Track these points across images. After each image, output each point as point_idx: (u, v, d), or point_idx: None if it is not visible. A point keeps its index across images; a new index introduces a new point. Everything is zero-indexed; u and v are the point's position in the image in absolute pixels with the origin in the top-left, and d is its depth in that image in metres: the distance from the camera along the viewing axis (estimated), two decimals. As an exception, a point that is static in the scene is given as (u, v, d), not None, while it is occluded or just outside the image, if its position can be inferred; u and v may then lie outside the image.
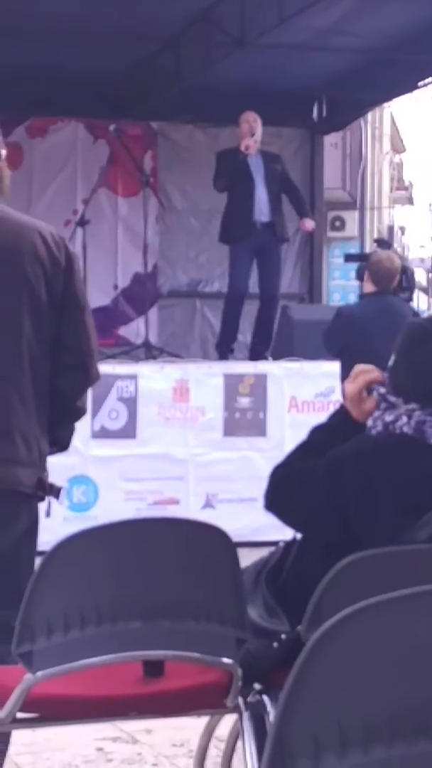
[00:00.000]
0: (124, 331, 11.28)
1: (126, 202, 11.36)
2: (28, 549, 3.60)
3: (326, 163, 12.73)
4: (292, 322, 9.44)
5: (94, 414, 8.16)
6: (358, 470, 2.88)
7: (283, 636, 2.84)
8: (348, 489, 2.87)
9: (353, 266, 9.67)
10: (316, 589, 2.68)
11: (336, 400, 3.17)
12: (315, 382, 8.51)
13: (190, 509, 8.15)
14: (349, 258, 10.90)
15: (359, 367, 3.08)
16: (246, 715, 2.91)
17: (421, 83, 11.01)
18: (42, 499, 3.64)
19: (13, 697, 2.77)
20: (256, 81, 10.41)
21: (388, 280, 7.15)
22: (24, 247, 3.55)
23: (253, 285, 9.55)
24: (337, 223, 16.25)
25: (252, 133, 9.24)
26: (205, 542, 2.88)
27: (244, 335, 9.98)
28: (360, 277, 7.75)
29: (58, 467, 8.64)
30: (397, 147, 28.85)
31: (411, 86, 11.31)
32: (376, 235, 17.46)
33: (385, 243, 9.92)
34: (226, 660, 2.83)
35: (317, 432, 3.10)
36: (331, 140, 13.43)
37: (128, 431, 8.27)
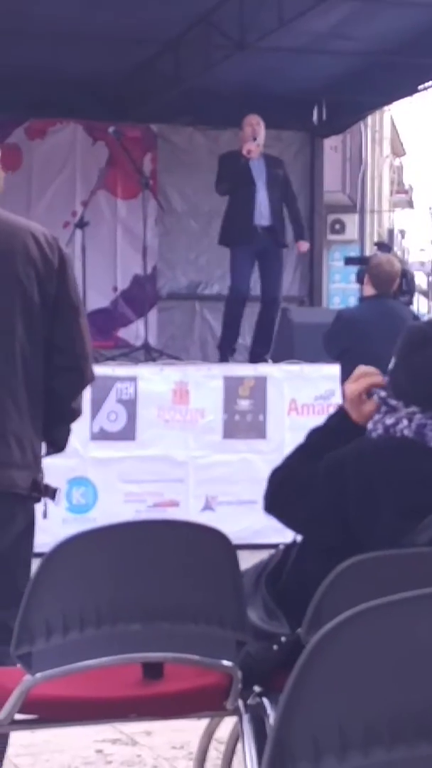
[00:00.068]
0: (123, 333, 11.27)
1: (125, 204, 11.36)
2: (24, 550, 3.60)
3: (326, 167, 12.73)
4: (292, 324, 9.44)
5: (94, 416, 8.17)
6: (359, 473, 2.88)
7: (283, 638, 2.84)
8: (348, 492, 2.87)
9: (353, 269, 9.68)
10: (316, 591, 2.68)
11: (336, 403, 3.17)
12: (315, 384, 8.52)
13: (190, 511, 8.15)
14: (349, 261, 10.90)
15: (361, 369, 3.08)
16: (246, 717, 2.91)
17: (421, 87, 11.02)
18: (38, 500, 3.64)
19: (12, 698, 2.77)
20: (256, 84, 10.42)
21: (389, 283, 7.15)
22: (16, 248, 3.54)
23: (254, 288, 9.56)
24: (337, 227, 16.26)
25: (254, 137, 9.24)
26: (204, 544, 2.88)
27: (244, 338, 9.99)
28: (360, 280, 7.75)
29: (57, 469, 8.64)
30: (397, 150, 28.87)
31: (411, 90, 11.31)
32: (376, 239, 17.48)
33: (385, 246, 9.92)
34: (225, 662, 2.83)
35: (315, 434, 3.10)
36: (331, 143, 13.45)
37: (128, 433, 8.28)
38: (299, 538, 3.06)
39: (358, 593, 2.09)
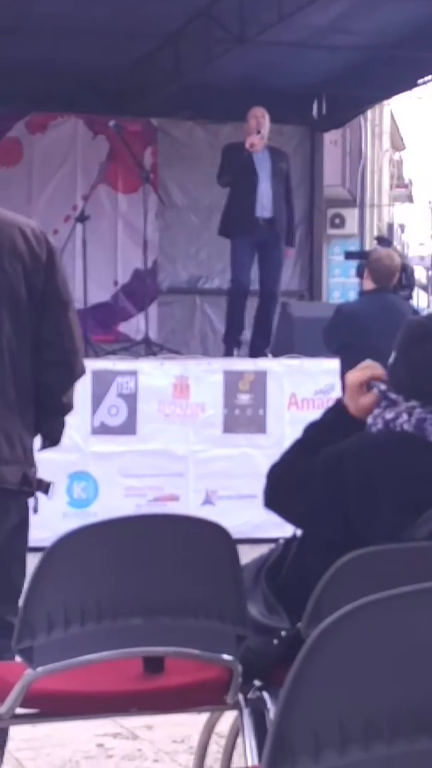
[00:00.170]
0: (123, 327, 11.27)
1: (126, 198, 11.35)
2: (19, 545, 3.60)
3: (326, 161, 12.72)
4: (292, 319, 9.44)
5: (94, 410, 8.17)
6: (359, 467, 2.89)
7: (283, 633, 2.85)
8: (348, 486, 2.87)
9: (353, 263, 9.68)
10: (316, 586, 2.69)
11: (336, 397, 3.18)
12: (315, 379, 8.52)
13: (190, 506, 8.16)
14: (349, 255, 10.90)
15: (366, 362, 3.09)
16: (246, 711, 2.92)
17: (420, 81, 11.01)
18: (30, 495, 3.64)
19: (14, 692, 2.78)
20: (256, 78, 10.41)
21: (388, 277, 7.15)
22: (2, 242, 3.53)
23: (253, 282, 9.55)
24: (337, 221, 16.25)
25: (258, 130, 9.22)
26: (205, 539, 2.89)
27: (244, 332, 9.98)
28: (360, 274, 7.75)
29: (58, 463, 8.69)
30: (397, 145, 28.85)
31: (411, 84, 11.30)
32: (375, 233, 17.47)
33: (385, 240, 9.92)
34: (226, 656, 2.84)
35: (313, 429, 3.10)
36: (331, 138, 13.44)
37: (128, 427, 8.28)
38: (299, 532, 3.06)
39: (358, 588, 2.09)
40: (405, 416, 2.93)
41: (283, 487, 3.01)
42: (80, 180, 11.21)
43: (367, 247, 14.42)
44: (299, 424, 3.16)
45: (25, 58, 9.82)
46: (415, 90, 12.00)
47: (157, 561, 2.84)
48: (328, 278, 15.26)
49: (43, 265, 3.58)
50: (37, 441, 3.78)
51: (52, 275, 3.60)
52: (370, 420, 3.00)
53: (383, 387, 3.00)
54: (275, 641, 2.85)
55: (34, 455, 3.69)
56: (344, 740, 1.71)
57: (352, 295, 13.29)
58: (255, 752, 2.84)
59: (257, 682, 2.90)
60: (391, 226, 25.39)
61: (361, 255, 9.68)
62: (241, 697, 2.91)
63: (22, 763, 3.95)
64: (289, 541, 3.09)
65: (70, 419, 8.79)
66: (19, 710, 2.84)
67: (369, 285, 7.21)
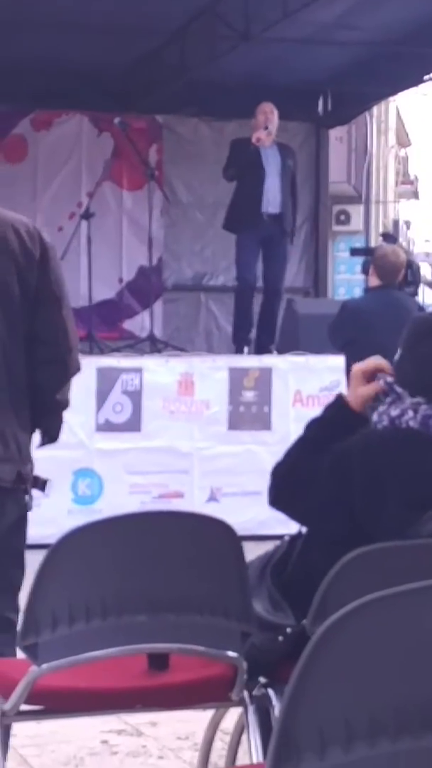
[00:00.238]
0: (128, 324, 11.27)
1: (131, 195, 11.35)
2: (16, 541, 3.60)
3: (331, 157, 12.70)
4: (297, 316, 9.43)
5: (99, 407, 8.17)
6: (365, 464, 2.88)
7: (288, 630, 2.85)
8: (354, 483, 2.87)
9: (358, 260, 9.66)
10: (321, 583, 2.68)
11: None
12: (320, 376, 8.51)
13: (195, 503, 8.15)
14: (354, 252, 10.87)
15: (375, 357, 3.08)
16: (251, 708, 2.92)
17: (426, 77, 10.99)
18: (26, 491, 3.64)
19: (18, 689, 2.78)
20: (261, 75, 10.40)
21: (394, 274, 7.14)
22: None
23: (258, 278, 9.54)
24: (342, 217, 16.22)
25: (266, 125, 9.21)
26: (210, 536, 2.89)
27: (252, 330, 9.96)
28: (365, 271, 7.73)
29: (62, 460, 8.68)
30: (403, 141, 28.82)
31: (416, 80, 11.29)
32: (381, 230, 17.45)
33: (390, 237, 9.90)
34: (231, 653, 2.84)
35: (314, 425, 3.10)
36: (336, 134, 13.41)
37: (133, 424, 8.28)
38: (304, 529, 3.06)
39: (364, 584, 2.09)
40: (411, 413, 2.92)
41: (288, 486, 3.01)
42: (85, 177, 11.21)
43: (373, 244, 14.39)
44: (304, 421, 3.15)
45: (29, 55, 9.82)
46: (421, 86, 11.99)
47: (162, 558, 2.84)
48: (333, 275, 15.25)
49: (37, 263, 3.57)
50: (37, 438, 3.78)
51: (45, 272, 3.59)
52: (375, 417, 3.00)
53: (390, 379, 2.99)
54: (280, 638, 2.85)
55: (31, 453, 3.68)
56: (349, 737, 1.70)
57: (358, 292, 13.26)
58: (260, 749, 2.84)
59: (262, 679, 2.90)
60: (396, 223, 25.37)
61: (366, 251, 9.67)
62: (246, 694, 2.91)
63: (27, 760, 3.96)
64: (295, 538, 3.08)
65: (74, 416, 8.82)
66: (23, 707, 2.85)
67: (374, 282, 7.20)
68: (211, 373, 8.51)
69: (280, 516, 3.05)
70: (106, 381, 8.20)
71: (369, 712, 1.72)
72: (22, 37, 9.40)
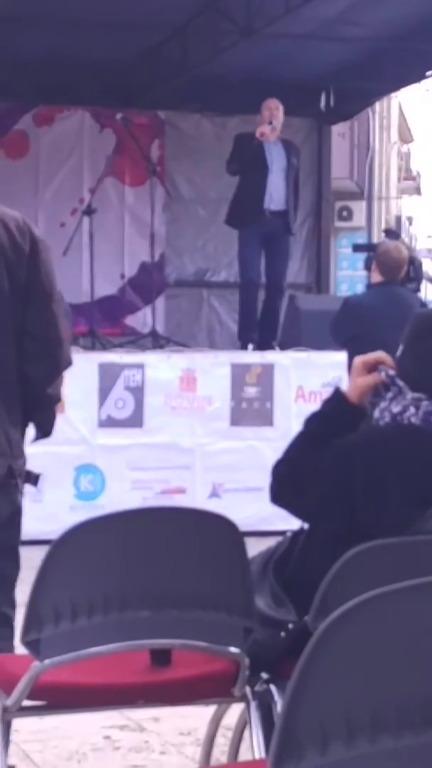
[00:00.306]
0: (130, 320, 11.27)
1: (133, 191, 11.34)
2: (10, 536, 3.60)
3: (334, 153, 12.69)
4: (299, 312, 9.43)
5: (101, 403, 8.17)
6: (366, 461, 2.88)
7: (290, 625, 2.85)
8: (356, 479, 2.87)
9: (361, 256, 9.67)
10: (323, 579, 2.68)
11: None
12: (322, 372, 8.51)
13: (197, 498, 8.16)
14: (356, 248, 10.89)
15: (379, 353, 3.08)
16: (253, 704, 2.92)
17: (429, 73, 10.99)
18: (17, 487, 3.63)
19: (21, 685, 2.78)
20: (264, 70, 10.39)
21: (396, 270, 7.14)
22: None
23: (261, 275, 9.54)
24: (345, 213, 16.22)
25: (270, 121, 9.20)
26: (212, 532, 2.89)
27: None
28: (368, 267, 7.73)
29: (65, 456, 8.66)
30: (405, 137, 28.80)
31: (419, 76, 11.28)
32: (383, 226, 17.44)
33: (393, 233, 9.90)
34: (233, 649, 2.84)
35: (313, 421, 3.09)
36: (338, 130, 13.40)
37: (135, 420, 8.28)
38: (306, 525, 3.06)
39: (366, 581, 2.09)
40: (412, 409, 2.93)
41: (289, 483, 3.01)
42: (87, 173, 11.21)
43: (375, 240, 14.40)
44: (306, 417, 3.16)
45: (31, 51, 9.82)
46: (424, 82, 11.98)
47: (164, 554, 2.84)
48: (335, 271, 15.24)
49: (26, 257, 3.56)
50: (31, 433, 3.77)
51: (35, 267, 3.59)
52: (377, 414, 3.00)
53: (391, 372, 2.99)
54: (282, 634, 2.86)
55: (23, 447, 3.67)
56: (351, 733, 1.71)
57: (360, 288, 13.27)
58: (262, 745, 2.84)
59: (264, 675, 2.90)
60: (399, 219, 25.35)
61: (368, 248, 9.67)
62: (248, 689, 2.92)
63: (30, 756, 3.96)
64: (297, 534, 3.08)
65: (76, 412, 8.80)
66: (26, 702, 2.85)
67: (377, 278, 7.19)
68: (213, 369, 8.51)
69: (282, 512, 3.05)
70: (108, 377, 8.20)
71: (371, 708, 1.72)
72: (25, 33, 9.40)
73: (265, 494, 3.07)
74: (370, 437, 2.95)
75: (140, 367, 8.33)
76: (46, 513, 7.71)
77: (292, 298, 9.79)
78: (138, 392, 8.29)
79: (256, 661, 2.87)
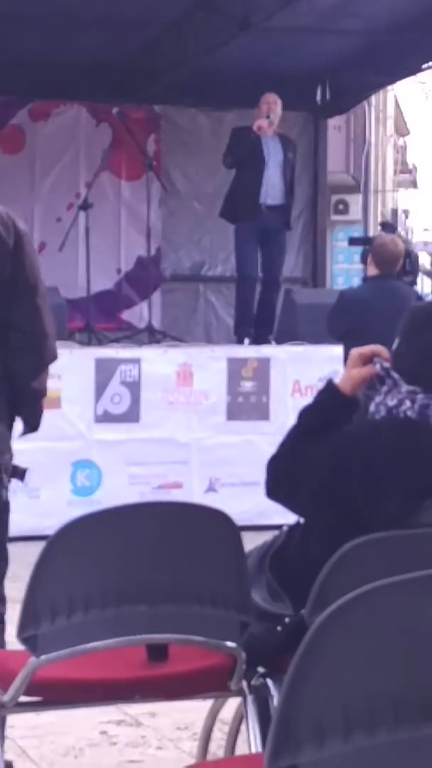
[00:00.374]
0: (127, 315, 11.26)
1: (129, 185, 11.33)
2: None
3: (330, 147, 12.67)
4: (295, 305, 9.42)
5: (98, 398, 8.16)
6: (362, 454, 2.88)
7: (287, 620, 2.85)
8: (352, 473, 2.87)
9: (357, 250, 9.64)
10: (320, 572, 2.68)
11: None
12: (318, 366, 8.49)
13: (194, 493, 8.15)
14: (353, 241, 10.85)
15: (376, 346, 3.07)
16: (250, 698, 2.92)
17: (425, 65, 10.97)
18: (2, 481, 3.62)
19: (17, 680, 2.78)
20: (260, 64, 10.37)
21: (392, 263, 7.13)
22: None
23: (257, 269, 9.53)
24: (341, 207, 16.18)
25: (267, 115, 9.19)
26: (208, 526, 2.89)
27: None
28: (364, 260, 7.72)
29: (61, 451, 8.66)
30: (401, 130, 28.76)
31: (415, 69, 11.26)
32: (379, 219, 17.42)
33: (389, 226, 9.87)
34: (230, 643, 2.84)
35: (306, 413, 3.09)
36: (334, 123, 13.37)
37: (132, 415, 8.27)
38: (303, 519, 3.05)
39: (362, 574, 2.09)
40: (408, 403, 2.92)
41: (284, 477, 3.01)
42: (83, 168, 11.18)
43: (371, 233, 14.36)
44: (302, 411, 3.15)
45: (27, 46, 9.79)
46: (420, 75, 11.96)
47: (161, 548, 2.84)
48: (331, 264, 15.21)
49: (11, 251, 3.55)
50: (19, 428, 3.76)
51: (20, 260, 3.57)
52: (372, 408, 3.00)
53: (386, 364, 2.99)
54: (279, 628, 2.85)
55: (9, 442, 3.66)
56: (348, 727, 1.71)
57: (356, 282, 13.24)
58: (259, 739, 2.84)
59: (261, 669, 2.90)
60: (395, 212, 25.30)
61: (365, 241, 9.65)
62: (245, 683, 2.91)
63: (26, 751, 3.96)
64: (293, 528, 3.08)
65: (73, 408, 8.79)
66: (22, 698, 2.85)
67: (373, 271, 7.19)
68: (210, 363, 8.51)
69: (279, 506, 3.04)
70: (104, 372, 8.20)
71: (367, 701, 1.72)
72: (20, 28, 9.38)
73: (262, 488, 3.06)
74: (366, 431, 2.95)
75: (137, 361, 8.32)
76: (43, 509, 7.71)
77: (288, 292, 9.78)
78: (134, 387, 8.28)
79: (253, 656, 2.87)
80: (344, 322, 6.96)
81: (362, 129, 15.86)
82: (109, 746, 4.07)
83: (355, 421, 3.07)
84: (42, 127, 11.26)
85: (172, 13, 9.58)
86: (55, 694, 2.93)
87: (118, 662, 2.94)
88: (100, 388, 8.17)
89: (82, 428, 8.11)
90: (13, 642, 2.93)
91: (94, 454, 8.19)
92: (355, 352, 3.05)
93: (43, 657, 2.74)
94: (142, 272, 10.85)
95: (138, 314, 11.06)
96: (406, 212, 32.34)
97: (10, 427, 3.67)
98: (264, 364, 8.59)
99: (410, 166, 31.44)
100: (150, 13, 9.42)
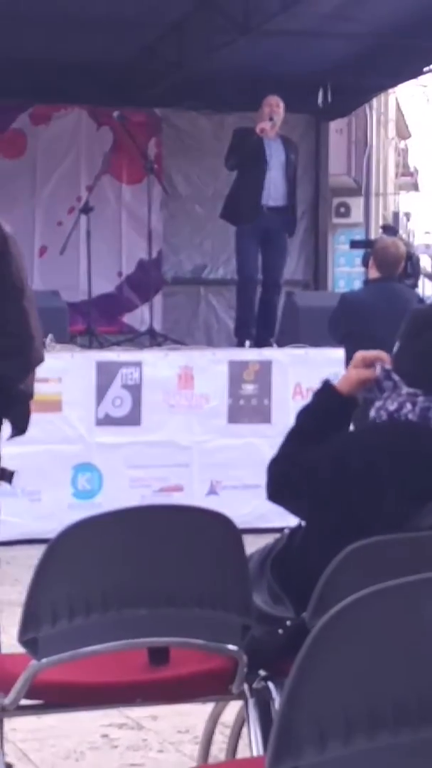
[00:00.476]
0: (128, 318, 11.27)
1: (130, 188, 11.34)
2: None
3: (331, 150, 12.68)
4: (297, 308, 9.42)
5: (99, 401, 8.16)
6: (363, 458, 2.88)
7: (288, 623, 2.84)
8: (353, 476, 2.87)
9: (358, 253, 9.65)
10: (321, 575, 2.68)
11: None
12: (320, 368, 8.47)
13: (195, 496, 8.15)
14: (354, 244, 10.86)
15: (379, 352, 3.07)
16: (251, 701, 2.92)
17: (426, 69, 10.98)
18: None
19: (18, 683, 2.78)
20: (261, 67, 10.38)
21: (394, 266, 7.14)
22: None
23: (258, 271, 9.53)
24: (342, 210, 16.19)
25: (270, 117, 9.20)
26: (210, 529, 2.88)
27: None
28: (365, 263, 7.73)
29: (62, 455, 8.64)
30: (403, 133, 28.76)
31: (417, 72, 11.27)
32: (381, 222, 17.42)
33: (391, 229, 9.88)
34: (231, 647, 2.83)
35: (304, 415, 3.09)
36: (336, 126, 13.39)
37: (133, 418, 8.27)
38: (304, 522, 3.05)
39: (363, 577, 2.08)
40: (409, 406, 2.92)
41: (284, 480, 3.00)
42: (84, 171, 11.19)
43: (373, 236, 14.37)
44: (304, 415, 3.14)
45: (28, 49, 9.80)
46: (421, 78, 11.97)
47: (162, 552, 2.84)
48: (333, 267, 15.23)
49: None
50: (7, 431, 3.75)
51: (6, 263, 3.57)
52: (373, 413, 3.00)
53: (387, 366, 2.99)
54: (280, 631, 2.85)
55: None
56: (349, 730, 1.70)
57: (358, 285, 13.25)
58: (260, 742, 2.84)
59: (262, 672, 2.90)
60: (396, 215, 25.30)
61: (366, 244, 9.65)
62: (246, 687, 2.91)
63: (27, 754, 3.96)
64: (294, 531, 3.08)
65: (74, 411, 8.77)
66: (24, 701, 2.84)
67: (374, 274, 7.19)
68: (211, 366, 8.50)
69: (280, 509, 3.04)
70: (105, 375, 8.19)
71: (368, 704, 1.72)
72: (21, 31, 9.39)
73: (263, 491, 3.06)
74: (367, 433, 2.95)
75: (138, 365, 8.32)
76: (44, 512, 7.71)
77: (289, 295, 9.78)
78: (135, 390, 8.28)
79: (254, 659, 2.86)
80: (345, 324, 6.97)
81: (364, 132, 15.87)
82: (110, 749, 4.07)
83: (355, 425, 3.07)
84: (43, 130, 11.28)
85: (173, 16, 9.60)
86: (56, 697, 2.93)
87: (119, 665, 2.94)
88: (101, 391, 8.17)
89: (83, 431, 8.11)
90: (15, 645, 2.93)
91: (95, 458, 8.19)
92: (360, 354, 3.05)
93: (44, 660, 2.74)
94: (143, 275, 10.86)
95: (139, 317, 11.06)
96: (407, 215, 32.33)
97: None
98: (265, 366, 8.59)
99: (411, 169, 31.44)
100: (150, 16, 9.43)
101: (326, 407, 3.03)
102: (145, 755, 4.03)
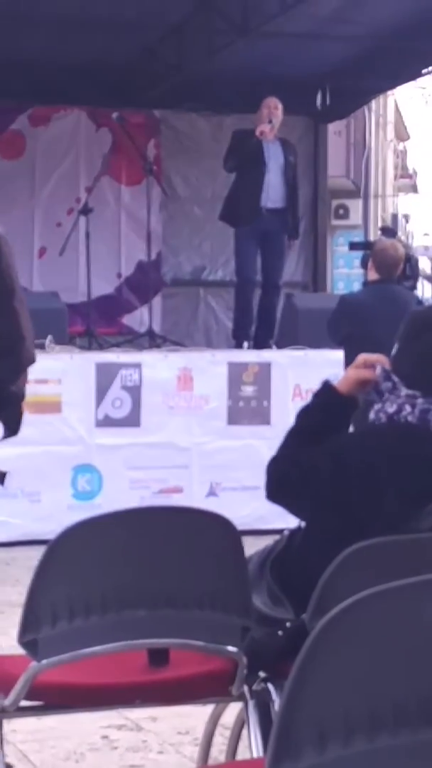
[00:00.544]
0: (127, 319, 11.27)
1: (129, 190, 11.34)
2: None
3: (330, 152, 12.69)
4: (296, 310, 9.43)
5: (98, 403, 8.16)
6: (363, 459, 2.88)
7: (287, 624, 2.85)
8: (352, 478, 2.87)
9: (357, 254, 9.64)
10: (320, 577, 2.68)
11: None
12: (319, 370, 8.46)
13: (194, 497, 8.15)
14: (353, 246, 10.86)
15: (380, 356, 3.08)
16: (251, 703, 2.92)
17: (425, 71, 10.98)
18: None
19: (18, 685, 2.78)
20: (259, 69, 10.39)
21: (393, 268, 7.14)
22: None
23: (257, 273, 9.53)
24: (341, 212, 16.20)
25: (269, 119, 9.20)
26: (209, 531, 2.88)
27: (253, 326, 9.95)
28: (364, 265, 7.73)
29: (62, 456, 8.64)
30: (401, 135, 28.75)
31: (415, 74, 11.28)
32: (380, 224, 17.42)
33: (390, 231, 9.89)
34: (231, 648, 2.84)
35: (303, 415, 3.09)
36: (334, 128, 13.39)
37: (132, 420, 8.27)
38: (304, 523, 3.05)
39: (363, 579, 2.09)
40: (408, 408, 2.93)
41: (284, 480, 3.01)
42: (83, 172, 11.20)
43: (372, 238, 14.37)
44: (304, 416, 3.15)
45: (27, 50, 9.80)
46: (420, 80, 11.97)
47: (162, 553, 2.84)
48: (332, 269, 15.24)
49: None
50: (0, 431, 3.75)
51: None
52: (372, 416, 3.00)
53: (387, 368, 2.99)
54: (280, 633, 2.85)
55: None
56: (349, 731, 1.70)
57: (357, 286, 13.24)
58: (260, 744, 2.84)
59: (262, 674, 2.90)
60: (395, 217, 25.29)
61: (365, 246, 9.65)
62: (246, 688, 2.91)
63: (27, 756, 3.96)
64: (294, 533, 3.08)
65: (74, 412, 8.78)
66: (23, 702, 2.85)
67: (373, 276, 7.20)
68: (210, 367, 8.51)
69: (280, 510, 3.04)
70: (105, 376, 8.20)
71: (368, 706, 1.72)
72: (20, 32, 9.39)
73: (263, 493, 3.06)
74: (367, 435, 2.95)
75: (137, 366, 8.33)
76: (44, 513, 7.71)
77: (288, 297, 9.78)
78: (135, 391, 8.28)
79: (254, 660, 2.87)
80: (345, 326, 6.97)
81: (362, 134, 15.87)
82: (110, 751, 4.07)
83: (355, 427, 3.08)
84: (42, 132, 11.28)
85: (172, 18, 9.60)
86: (56, 698, 2.93)
87: (118, 667, 2.94)
88: (101, 392, 8.17)
89: (83, 433, 8.11)
90: (14, 646, 2.93)
91: (95, 459, 8.19)
92: (362, 356, 3.05)
93: (44, 661, 2.74)
94: (143, 277, 10.86)
95: (138, 319, 11.06)
96: (406, 217, 32.32)
97: None
98: (265, 368, 8.59)
99: (410, 171, 31.44)
100: (149, 18, 9.44)
101: (326, 407, 3.03)
102: (145, 756, 4.03)
